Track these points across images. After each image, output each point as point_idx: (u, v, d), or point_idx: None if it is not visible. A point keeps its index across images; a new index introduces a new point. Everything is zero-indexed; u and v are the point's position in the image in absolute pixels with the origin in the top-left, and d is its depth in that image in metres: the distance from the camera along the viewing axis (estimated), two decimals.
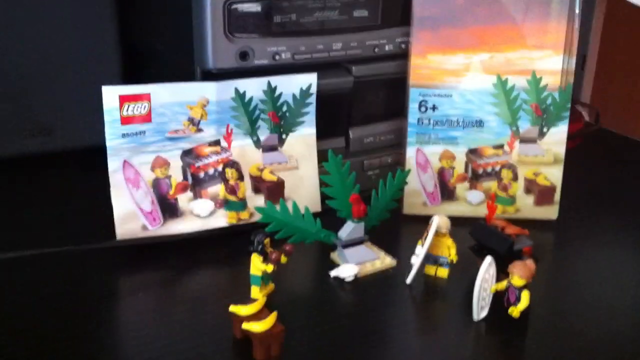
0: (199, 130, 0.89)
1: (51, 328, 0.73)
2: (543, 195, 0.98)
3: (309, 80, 0.93)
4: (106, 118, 0.84)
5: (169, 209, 0.89)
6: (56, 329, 0.73)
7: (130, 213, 0.86)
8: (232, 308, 0.71)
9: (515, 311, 0.74)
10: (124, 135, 0.85)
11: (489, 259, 0.74)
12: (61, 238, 0.88)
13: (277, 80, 0.91)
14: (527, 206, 0.98)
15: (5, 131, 1.05)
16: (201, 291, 0.83)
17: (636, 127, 1.32)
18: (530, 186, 0.98)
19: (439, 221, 0.81)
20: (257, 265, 0.78)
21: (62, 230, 0.92)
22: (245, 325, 0.70)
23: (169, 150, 0.88)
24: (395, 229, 0.96)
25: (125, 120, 0.85)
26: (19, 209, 0.98)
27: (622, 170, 1.20)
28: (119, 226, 0.86)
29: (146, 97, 0.85)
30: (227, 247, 0.89)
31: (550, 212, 0.98)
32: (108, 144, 0.84)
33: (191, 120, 0.88)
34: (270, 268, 0.77)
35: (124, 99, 0.84)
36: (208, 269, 0.87)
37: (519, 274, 0.73)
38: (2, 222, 0.94)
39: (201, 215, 0.90)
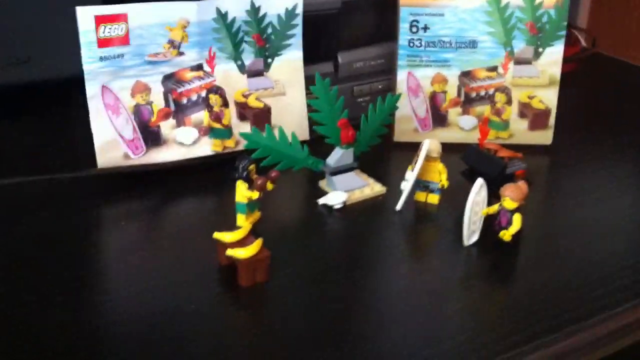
0: (180, 53, 0.85)
1: (36, 256, 0.72)
2: (537, 119, 0.95)
3: (294, 0, 0.89)
4: (82, 40, 0.80)
5: (152, 137, 0.86)
6: (41, 257, 0.71)
7: (112, 141, 0.83)
8: (217, 235, 0.69)
9: (506, 234, 0.72)
10: (101, 59, 0.81)
11: (479, 182, 0.72)
12: (42, 168, 0.85)
13: (260, 0, 0.87)
14: (521, 131, 0.95)
15: None
16: (186, 220, 0.81)
17: (632, 51, 1.28)
18: (525, 110, 0.95)
19: (429, 145, 0.79)
20: (242, 192, 0.75)
21: (43, 159, 0.89)
22: (230, 252, 0.68)
23: (149, 75, 0.84)
24: (386, 156, 0.93)
25: (103, 43, 0.81)
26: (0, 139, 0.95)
27: (617, 95, 1.17)
28: (100, 155, 0.83)
29: (123, 17, 0.81)
30: (212, 175, 0.86)
31: (545, 137, 0.96)
32: (85, 67, 0.81)
33: (171, 43, 0.84)
34: (255, 195, 0.75)
35: (99, 20, 0.80)
36: (193, 198, 0.85)
37: (510, 197, 0.71)
38: None
39: (185, 143, 0.87)
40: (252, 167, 0.75)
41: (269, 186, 0.76)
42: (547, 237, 0.77)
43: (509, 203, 0.71)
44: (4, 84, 1.02)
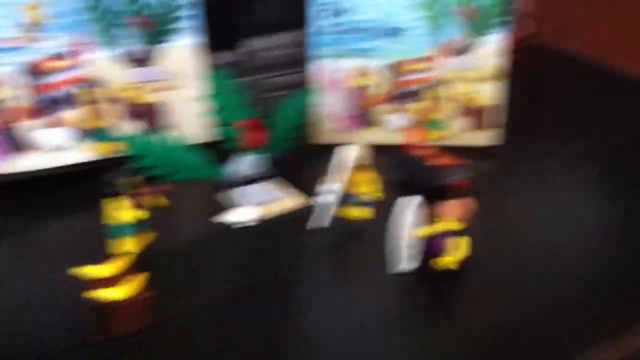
0: (38, 39, 0.68)
1: None
2: (478, 116, 0.83)
3: None
4: None
5: (9, 141, 0.68)
6: None
7: None
8: (85, 270, 0.52)
9: (450, 261, 0.58)
10: None
11: (415, 200, 0.58)
12: None
13: None
14: (460, 131, 0.83)
15: None
16: (56, 245, 0.65)
17: (580, 40, 1.17)
18: (464, 107, 0.82)
19: (356, 152, 0.64)
20: (117, 213, 0.59)
21: None
22: (100, 292, 0.51)
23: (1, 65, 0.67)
24: (300, 162, 0.79)
25: None
26: None
27: (563, 88, 1.05)
28: None
29: None
30: (91, 187, 0.69)
31: (488, 137, 0.84)
32: None
33: (26, 26, 0.67)
34: (131, 216, 0.58)
35: None
36: (65, 216, 0.69)
37: (455, 215, 0.57)
38: None
39: (53, 147, 0.70)
40: (126, 181, 0.59)
41: (160, 203, 0.60)
42: (494, 262, 0.64)
43: (452, 224, 0.57)
44: None
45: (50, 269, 0.60)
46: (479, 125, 0.83)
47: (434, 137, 0.82)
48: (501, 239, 0.68)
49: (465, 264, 0.60)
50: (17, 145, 0.69)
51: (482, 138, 0.83)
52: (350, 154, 0.64)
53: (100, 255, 0.54)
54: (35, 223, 0.66)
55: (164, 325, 0.54)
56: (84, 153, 0.71)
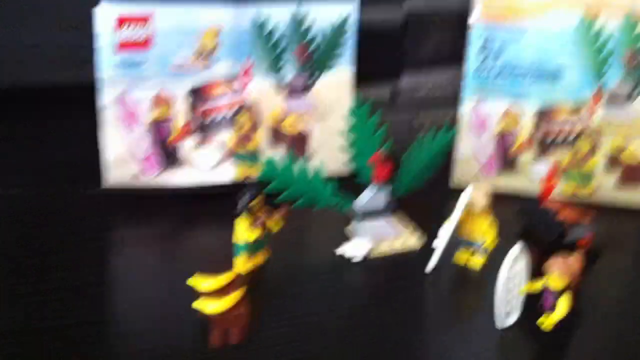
0: (209, 64, 0.76)
1: (26, 273, 0.66)
2: (629, 174, 0.78)
3: (346, 10, 0.77)
4: (100, 42, 0.72)
5: (168, 156, 0.77)
6: (40, 274, 0.65)
7: (123, 157, 0.76)
8: (192, 281, 0.59)
9: (547, 321, 0.56)
10: (119, 65, 0.73)
11: (514, 252, 0.57)
12: (49, 181, 0.79)
13: (306, 8, 0.76)
14: (607, 188, 0.78)
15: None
16: (193, 254, 0.71)
17: None
18: (614, 162, 0.78)
19: (472, 195, 0.64)
20: (240, 232, 0.65)
21: (54, 173, 0.83)
22: (198, 304, 0.57)
23: (172, 87, 0.76)
24: (439, 203, 0.79)
25: (123, 46, 0.73)
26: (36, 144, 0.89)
27: None
28: (108, 171, 0.76)
29: (148, 19, 0.73)
30: (232, 205, 0.76)
31: (637, 198, 0.78)
32: (101, 74, 0.73)
33: (200, 53, 0.75)
34: (252, 236, 0.64)
35: (120, 21, 0.72)
36: (207, 229, 0.75)
37: (557, 274, 0.55)
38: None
39: (205, 167, 0.78)
40: (255, 202, 0.65)
41: (276, 226, 0.65)
42: (611, 326, 0.60)
43: (554, 281, 0.56)
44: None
45: (177, 274, 0.67)
46: (626, 184, 0.77)
47: (578, 192, 0.78)
48: (619, 303, 0.63)
49: (573, 324, 0.58)
50: (175, 161, 0.77)
51: (629, 198, 0.78)
52: (463, 198, 0.64)
53: (218, 269, 0.60)
54: (180, 234, 0.74)
55: (257, 346, 0.58)
56: (230, 173, 0.78)
